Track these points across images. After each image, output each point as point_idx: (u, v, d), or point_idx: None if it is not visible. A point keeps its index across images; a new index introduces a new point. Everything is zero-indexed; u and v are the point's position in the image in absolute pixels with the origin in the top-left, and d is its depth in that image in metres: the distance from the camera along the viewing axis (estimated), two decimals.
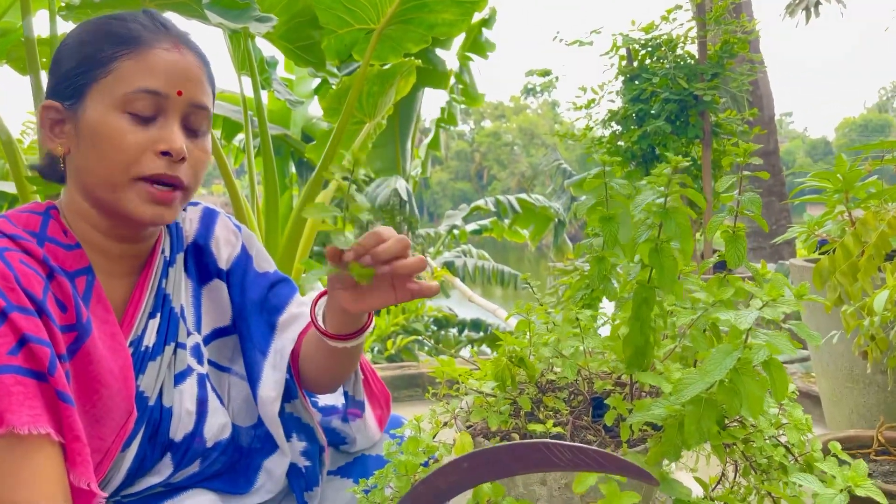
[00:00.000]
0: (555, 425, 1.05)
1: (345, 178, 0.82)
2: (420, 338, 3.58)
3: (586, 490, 0.91)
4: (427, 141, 7.42)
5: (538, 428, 1.00)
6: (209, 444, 1.01)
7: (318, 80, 5.42)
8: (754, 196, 0.99)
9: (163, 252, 1.03)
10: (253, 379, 1.08)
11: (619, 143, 2.42)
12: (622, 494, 0.89)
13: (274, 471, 1.08)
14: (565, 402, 1.16)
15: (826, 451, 1.09)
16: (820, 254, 2.00)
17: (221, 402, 1.06)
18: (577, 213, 1.26)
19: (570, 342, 1.09)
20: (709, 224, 1.04)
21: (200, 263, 1.09)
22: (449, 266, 6.31)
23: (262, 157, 2.70)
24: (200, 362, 1.04)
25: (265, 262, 1.13)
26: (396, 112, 5.50)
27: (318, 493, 1.10)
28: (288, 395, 1.09)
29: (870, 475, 1.36)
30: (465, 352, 6.13)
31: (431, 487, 0.69)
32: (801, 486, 0.97)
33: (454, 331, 5.79)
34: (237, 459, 1.07)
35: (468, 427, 1.15)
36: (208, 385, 1.04)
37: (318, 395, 1.20)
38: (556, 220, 7.24)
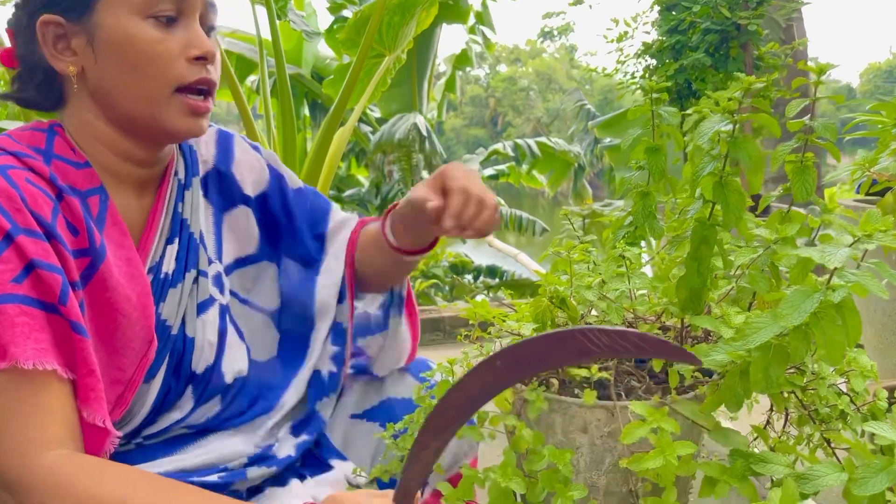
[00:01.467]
0: (598, 370, 0.98)
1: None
2: (438, 282, 3.53)
3: (634, 441, 0.85)
4: (442, 82, 7.25)
5: (581, 372, 0.93)
6: (228, 380, 0.96)
7: (326, 19, 5.24)
8: (829, 122, 0.89)
9: (176, 174, 0.97)
10: (307, 292, 1.07)
11: (653, 78, 2.28)
12: (676, 444, 0.82)
13: (292, 398, 1.04)
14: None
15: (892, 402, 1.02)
16: (868, 194, 1.89)
17: (240, 335, 1.02)
18: (622, 145, 1.16)
19: (614, 283, 1.01)
20: (774, 152, 0.95)
21: (223, 191, 1.04)
22: None
23: (278, 96, 2.60)
24: (222, 292, 0.99)
25: (294, 179, 1.11)
26: (413, 50, 5.33)
27: (332, 401, 1.07)
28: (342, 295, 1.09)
29: None
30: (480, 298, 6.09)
31: (465, 392, 0.65)
32: (868, 434, 0.90)
33: (469, 277, 5.73)
34: (257, 396, 1.02)
35: None
36: (228, 317, 0.99)
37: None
38: (577, 164, 7.08)
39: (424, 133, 4.67)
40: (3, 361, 0.71)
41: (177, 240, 0.93)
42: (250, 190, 1.05)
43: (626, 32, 2.35)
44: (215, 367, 0.95)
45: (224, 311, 0.98)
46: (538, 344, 0.64)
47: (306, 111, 6.16)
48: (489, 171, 7.39)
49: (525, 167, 7.26)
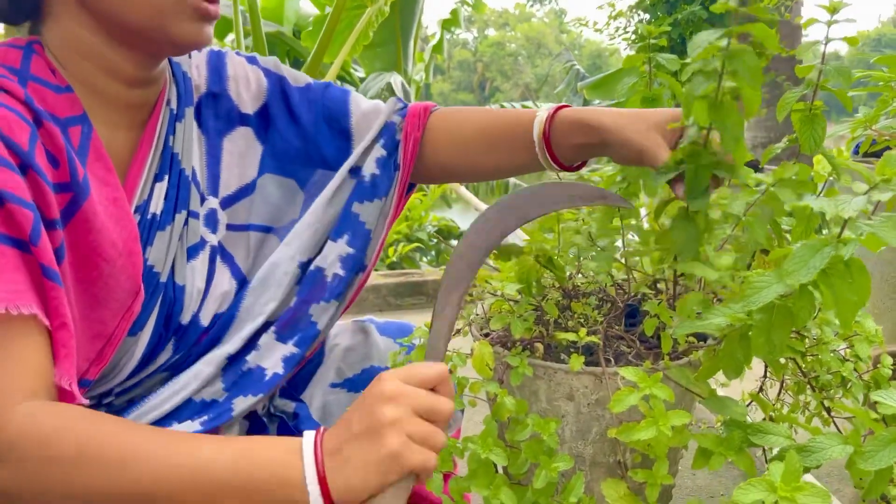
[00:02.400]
0: (587, 334, 0.92)
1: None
2: (422, 247, 3.45)
3: (624, 409, 0.79)
4: (431, 45, 7.08)
5: (568, 336, 0.86)
6: (206, 323, 0.88)
7: None
8: (843, 66, 0.82)
9: (168, 103, 0.87)
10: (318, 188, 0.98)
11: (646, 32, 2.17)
12: (670, 414, 0.77)
13: (256, 295, 0.93)
14: (594, 310, 1.02)
15: None
16: (866, 155, 1.83)
17: (233, 268, 0.93)
18: (616, 94, 1.09)
19: (605, 236, 0.93)
20: (780, 101, 0.87)
21: (219, 114, 0.94)
22: None
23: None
24: (214, 230, 0.91)
25: (300, 77, 1.00)
26: (398, 8, 5.16)
27: (332, 310, 0.95)
28: (373, 192, 0.97)
29: None
30: None
31: (469, 242, 0.76)
32: (870, 402, 0.85)
33: (455, 242, 5.66)
34: (231, 318, 0.93)
35: (484, 335, 1.02)
36: (217, 258, 0.91)
37: None
38: None
39: (399, 93, 4.49)
40: None
41: (166, 177, 0.84)
42: (249, 107, 0.96)
43: None
44: (198, 315, 0.87)
45: (214, 252, 0.90)
46: (516, 198, 0.78)
47: None
48: None
49: None
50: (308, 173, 1.00)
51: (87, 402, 0.73)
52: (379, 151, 0.98)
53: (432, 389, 0.66)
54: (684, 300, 0.83)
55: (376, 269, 2.74)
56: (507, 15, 53.92)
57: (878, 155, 1.89)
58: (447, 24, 6.96)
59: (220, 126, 0.94)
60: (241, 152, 0.95)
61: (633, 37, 1.99)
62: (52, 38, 0.78)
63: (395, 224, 3.53)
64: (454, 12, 6.86)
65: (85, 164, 0.76)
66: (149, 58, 0.81)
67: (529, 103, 6.98)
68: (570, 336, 0.85)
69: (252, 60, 0.99)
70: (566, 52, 7.43)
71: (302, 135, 0.98)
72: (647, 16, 1.98)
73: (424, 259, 3.96)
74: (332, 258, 0.95)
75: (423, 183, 1.08)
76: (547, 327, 0.97)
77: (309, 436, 0.64)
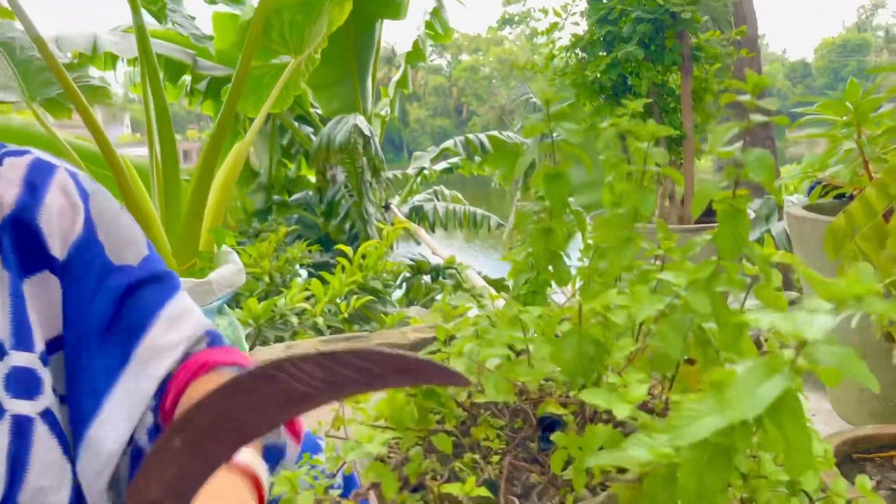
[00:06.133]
0: (488, 462, 0.77)
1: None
2: (378, 297, 3.29)
3: None
4: (395, 79, 7.00)
5: (452, 489, 0.71)
6: None
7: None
8: (764, 154, 0.68)
9: None
10: (84, 416, 0.75)
11: (586, 72, 2.06)
12: None
13: None
14: (504, 429, 0.87)
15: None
16: (823, 196, 1.70)
17: (65, 448, 0.74)
18: (516, 172, 0.95)
19: (495, 350, 0.78)
20: (696, 192, 0.73)
21: (23, 247, 0.75)
22: (418, 211, 5.96)
23: (153, 105, 2.19)
24: (30, 394, 0.72)
25: (125, 249, 0.80)
26: (352, 47, 5.05)
27: None
28: None
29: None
30: (439, 298, 5.85)
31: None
32: None
33: (427, 278, 5.50)
34: None
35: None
36: (34, 430, 0.72)
37: None
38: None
39: (367, 133, 4.37)
40: None
41: None
42: (58, 251, 0.76)
43: (556, 23, 2.12)
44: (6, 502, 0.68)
45: (25, 422, 0.71)
46: (224, 401, 0.44)
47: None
48: (442, 165, 7.16)
49: (477, 160, 7.04)
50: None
51: None
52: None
53: None
54: (591, 433, 0.69)
55: (320, 333, 2.55)
56: (479, 39, 54.46)
57: (837, 196, 1.75)
58: (411, 58, 6.89)
59: (24, 264, 0.76)
60: (47, 301, 0.76)
61: (573, 77, 1.89)
62: None
63: (349, 275, 3.36)
64: (416, 46, 6.79)
65: None
66: None
67: (494, 133, 6.89)
68: (455, 489, 0.70)
69: (85, 194, 0.80)
70: (523, 84, 7.33)
71: (78, 321, 0.78)
72: (585, 54, 1.87)
73: (386, 306, 3.77)
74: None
75: None
76: (444, 461, 0.82)
77: None
